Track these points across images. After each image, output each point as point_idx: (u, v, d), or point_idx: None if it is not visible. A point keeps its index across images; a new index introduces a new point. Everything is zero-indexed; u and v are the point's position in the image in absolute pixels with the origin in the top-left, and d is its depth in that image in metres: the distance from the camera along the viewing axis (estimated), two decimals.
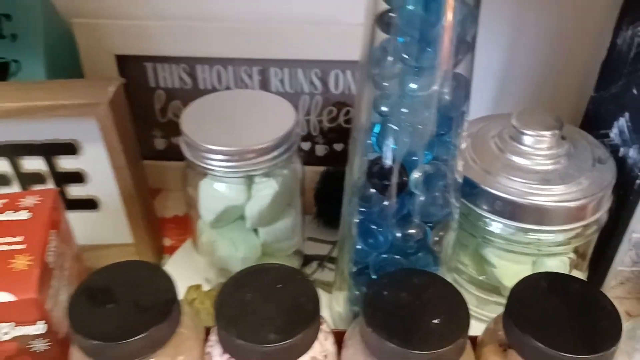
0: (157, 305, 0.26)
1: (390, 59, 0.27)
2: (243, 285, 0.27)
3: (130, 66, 0.44)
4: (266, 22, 0.43)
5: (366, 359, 0.26)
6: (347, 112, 0.45)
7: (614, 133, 0.37)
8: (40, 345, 0.28)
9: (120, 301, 0.26)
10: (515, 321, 0.25)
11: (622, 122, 0.36)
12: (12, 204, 0.31)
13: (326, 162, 0.45)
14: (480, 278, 0.36)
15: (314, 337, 0.26)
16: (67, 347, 0.29)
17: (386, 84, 0.28)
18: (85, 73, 0.43)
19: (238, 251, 0.36)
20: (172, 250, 0.44)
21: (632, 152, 0.35)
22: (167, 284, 0.27)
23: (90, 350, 0.25)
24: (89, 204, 0.39)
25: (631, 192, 0.34)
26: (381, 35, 0.27)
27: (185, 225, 0.45)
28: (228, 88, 0.45)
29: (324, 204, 0.44)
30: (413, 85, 0.27)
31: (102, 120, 0.34)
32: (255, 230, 0.37)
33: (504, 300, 0.30)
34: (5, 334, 0.27)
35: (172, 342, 0.26)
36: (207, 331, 0.29)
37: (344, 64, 0.43)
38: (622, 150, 0.36)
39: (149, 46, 0.44)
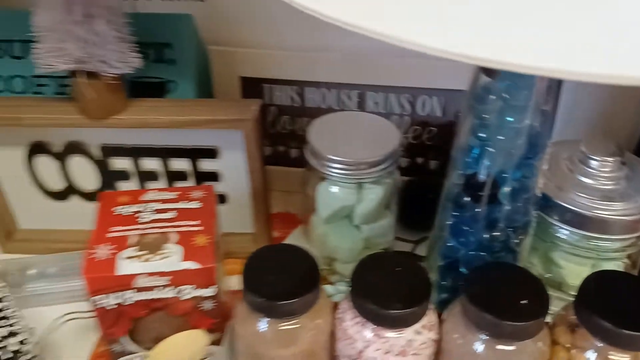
0: (306, 277, 0.34)
1: (492, 97, 0.35)
2: (371, 267, 0.35)
3: (250, 86, 0.53)
4: (365, 54, 0.51)
5: (465, 328, 0.34)
6: (430, 131, 0.53)
7: None
8: (208, 305, 0.37)
9: (279, 272, 0.34)
10: (585, 305, 0.33)
11: None
12: (184, 196, 0.39)
13: (409, 173, 0.53)
14: (546, 276, 0.43)
15: (426, 309, 0.34)
16: (225, 308, 0.37)
17: (486, 116, 0.36)
18: (215, 91, 0.52)
19: (346, 243, 0.44)
20: (278, 240, 0.52)
21: None
22: (313, 268, 0.35)
23: (258, 306, 0.33)
24: (220, 199, 0.48)
25: None
26: (484, 78, 0.35)
27: (288, 220, 0.54)
28: (330, 108, 0.53)
29: (408, 209, 0.51)
30: (510, 119, 0.34)
31: (247, 132, 0.42)
32: (358, 227, 0.45)
33: (564, 295, 0.36)
34: (187, 294, 0.36)
35: (314, 308, 0.34)
36: (335, 304, 0.37)
37: (431, 91, 0.51)
38: None
39: (267, 71, 0.52)
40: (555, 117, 0.35)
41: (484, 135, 0.36)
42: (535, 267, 0.44)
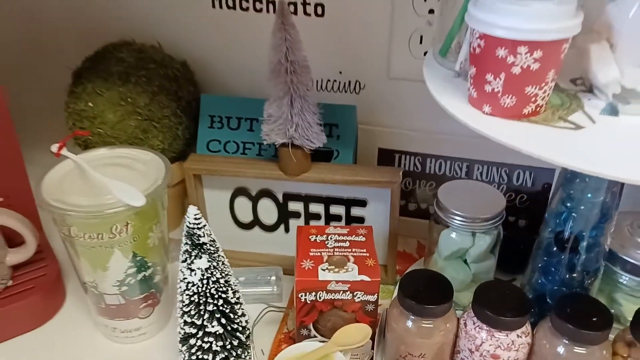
0: (443, 293, 0.51)
1: (577, 180, 0.51)
2: (486, 290, 0.51)
3: (385, 155, 0.72)
4: (472, 137, 0.68)
5: (552, 335, 0.49)
6: (521, 197, 0.70)
7: None
8: (370, 307, 0.54)
9: (425, 288, 0.51)
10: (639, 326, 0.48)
11: None
12: (353, 232, 0.57)
13: (504, 229, 0.69)
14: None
15: (526, 320, 0.49)
16: (376, 311, 0.54)
17: (572, 192, 0.52)
18: (359, 155, 0.71)
19: (459, 276, 0.60)
20: (401, 272, 0.69)
21: None
22: (448, 286, 0.52)
23: (410, 308, 0.50)
24: None
25: None
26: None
27: (405, 257, 0.71)
28: (444, 174, 0.71)
29: (502, 256, 0.67)
30: (589, 195, 0.51)
31: (394, 190, 0.61)
32: (468, 265, 0.61)
33: (622, 327, 0.51)
34: (358, 298, 0.53)
35: (446, 315, 0.51)
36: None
37: (523, 167, 0.68)
38: None
39: (398, 144, 0.71)
40: (621, 195, 0.51)
41: (570, 204, 0.52)
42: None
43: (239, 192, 0.67)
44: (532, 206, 0.70)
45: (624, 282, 0.56)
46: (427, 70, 0.49)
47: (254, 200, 0.67)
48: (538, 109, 0.41)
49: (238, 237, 0.69)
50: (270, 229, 0.69)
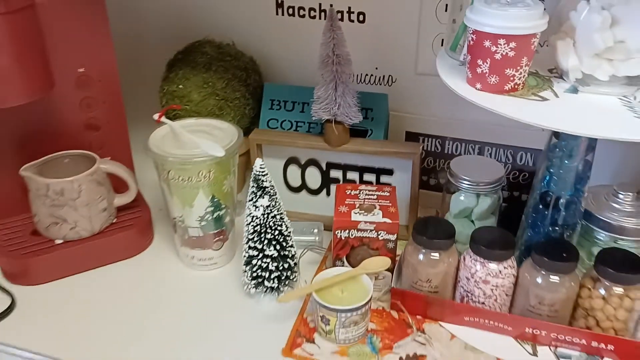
0: (447, 233, 0.65)
1: (557, 150, 0.65)
2: (483, 232, 0.65)
3: (411, 137, 0.87)
4: (483, 123, 0.83)
5: (532, 269, 0.63)
6: (524, 175, 0.83)
7: None
8: (390, 245, 0.69)
9: (441, 229, 0.66)
10: (599, 262, 0.61)
11: None
12: (380, 189, 0.73)
13: (509, 201, 0.83)
14: (587, 262, 0.71)
15: (511, 254, 0.63)
16: (396, 248, 0.69)
17: (554, 160, 0.66)
18: (390, 137, 0.87)
19: (465, 231, 0.75)
20: None
21: None
22: (450, 228, 0.66)
23: (422, 242, 0.65)
24: None
25: None
26: (554, 139, 0.66)
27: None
28: (460, 154, 0.85)
29: (505, 221, 0.81)
30: (567, 162, 0.64)
31: (415, 160, 0.76)
32: (473, 222, 0.75)
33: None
34: (382, 236, 0.68)
35: (449, 250, 0.66)
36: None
37: (525, 149, 0.82)
38: None
39: (422, 128, 0.86)
40: (592, 163, 0.65)
41: (552, 170, 0.66)
42: (582, 258, 0.72)
43: (291, 160, 0.83)
44: (532, 183, 0.83)
45: (601, 238, 0.69)
46: (439, 61, 0.64)
47: (303, 168, 0.83)
48: (516, 87, 0.56)
49: (289, 198, 0.86)
50: (315, 192, 0.85)
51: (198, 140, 0.69)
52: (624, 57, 0.54)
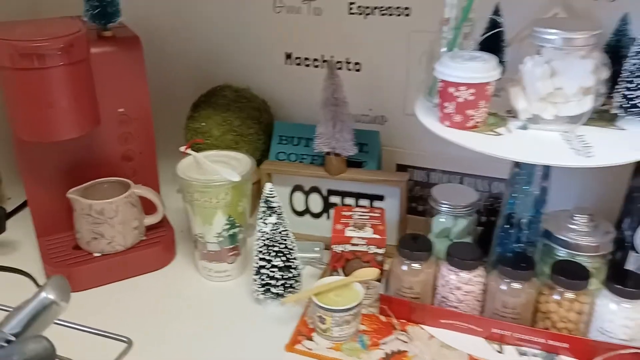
0: (426, 247, 0.77)
1: (518, 177, 0.77)
2: (458, 247, 0.77)
3: (401, 169, 1.00)
4: (463, 157, 0.95)
5: (498, 278, 0.74)
6: (498, 202, 0.95)
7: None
8: (379, 258, 0.81)
9: (414, 244, 0.78)
10: (555, 272, 0.72)
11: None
12: (371, 211, 0.85)
13: (484, 224, 0.95)
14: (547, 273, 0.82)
15: (479, 264, 0.75)
16: (384, 261, 0.81)
17: (516, 186, 0.78)
18: (383, 168, 1.00)
19: (444, 248, 0.87)
20: None
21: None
22: (429, 242, 0.78)
23: (405, 255, 0.77)
24: None
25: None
26: (515, 168, 0.78)
27: None
28: (443, 183, 0.98)
29: (480, 243, 0.92)
30: (527, 188, 0.77)
31: (402, 187, 0.89)
32: (451, 241, 0.87)
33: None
34: (372, 250, 0.80)
35: (428, 261, 0.77)
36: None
37: (500, 180, 0.94)
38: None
39: (410, 161, 0.99)
40: (548, 188, 0.77)
41: (515, 195, 0.79)
42: (544, 271, 0.83)
43: (296, 188, 0.96)
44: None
45: (561, 255, 0.80)
46: (418, 104, 0.78)
47: (306, 194, 0.96)
48: (477, 124, 0.70)
49: (294, 221, 0.98)
50: (317, 216, 0.97)
51: (217, 168, 0.83)
52: (564, 100, 0.67)
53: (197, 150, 0.88)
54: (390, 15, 0.93)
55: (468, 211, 0.85)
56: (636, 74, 0.65)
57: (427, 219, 0.89)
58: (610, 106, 0.70)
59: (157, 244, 0.91)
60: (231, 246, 0.86)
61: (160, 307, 0.83)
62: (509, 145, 0.66)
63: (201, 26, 1.07)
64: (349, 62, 0.99)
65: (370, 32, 0.95)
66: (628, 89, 0.66)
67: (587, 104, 0.67)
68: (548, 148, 0.65)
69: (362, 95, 0.99)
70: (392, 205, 0.92)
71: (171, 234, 0.94)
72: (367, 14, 0.94)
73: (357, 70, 0.99)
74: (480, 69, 0.66)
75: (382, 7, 0.93)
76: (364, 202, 0.94)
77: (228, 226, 0.85)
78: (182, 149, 0.86)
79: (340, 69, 0.99)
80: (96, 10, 0.85)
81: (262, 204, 0.78)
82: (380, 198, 0.93)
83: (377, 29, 0.94)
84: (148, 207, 0.91)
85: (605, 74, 0.68)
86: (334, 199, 0.95)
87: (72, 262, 0.86)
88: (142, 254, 0.89)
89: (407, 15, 0.92)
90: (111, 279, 0.87)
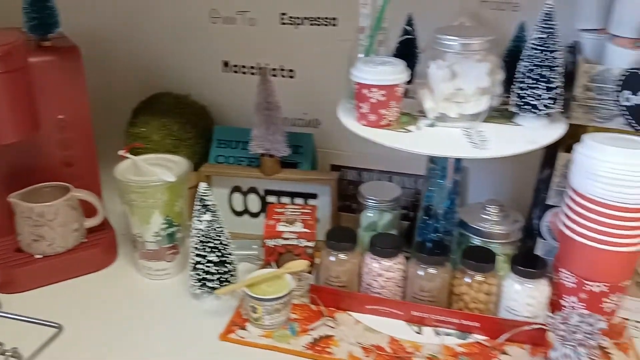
0: (352, 238, 0.83)
1: (433, 171, 0.84)
2: (379, 237, 0.83)
3: (335, 169, 1.06)
4: (389, 155, 1.02)
5: (416, 264, 0.80)
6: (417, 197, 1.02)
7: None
8: (309, 250, 0.86)
9: (346, 235, 0.83)
10: (466, 257, 0.79)
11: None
12: (303, 207, 0.91)
13: (410, 219, 1.01)
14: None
15: (398, 252, 0.81)
16: (314, 254, 0.87)
17: (432, 179, 0.85)
18: (318, 168, 1.06)
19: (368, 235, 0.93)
20: None
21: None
22: (354, 234, 0.84)
23: (332, 247, 0.82)
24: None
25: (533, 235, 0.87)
26: (430, 164, 0.85)
27: None
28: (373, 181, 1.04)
29: (408, 231, 0.99)
30: (441, 181, 0.84)
31: (332, 185, 0.94)
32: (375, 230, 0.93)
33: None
34: (302, 243, 0.86)
35: (354, 251, 0.83)
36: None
37: (421, 177, 1.01)
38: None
39: (343, 162, 1.05)
40: (460, 181, 0.84)
41: (431, 188, 0.85)
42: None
43: (235, 189, 1.01)
44: None
45: (475, 243, 0.87)
46: (340, 105, 0.84)
47: (245, 194, 1.01)
48: (390, 123, 0.76)
49: (234, 221, 1.03)
50: (255, 215, 1.02)
51: (154, 170, 0.87)
52: (465, 100, 0.74)
53: (136, 154, 0.92)
54: (319, 25, 0.99)
55: (392, 205, 0.92)
56: (527, 75, 0.72)
57: (357, 214, 0.95)
58: (508, 105, 0.77)
59: (98, 245, 0.94)
60: (169, 245, 0.90)
61: (99, 304, 0.86)
62: (417, 141, 0.73)
63: (142, 36, 1.11)
64: (283, 69, 1.04)
65: (301, 41, 1.01)
66: (521, 88, 0.74)
67: (485, 103, 0.74)
68: (450, 142, 0.72)
69: (297, 100, 1.05)
70: (324, 203, 0.98)
71: (112, 235, 0.98)
72: (298, 24, 1.00)
73: (291, 76, 1.05)
74: (389, 72, 0.73)
75: (311, 18, 0.99)
76: (299, 200, 1.00)
77: (165, 225, 0.89)
78: (121, 152, 0.89)
79: (275, 75, 1.05)
80: (35, 22, 0.89)
81: (196, 203, 0.82)
82: (313, 196, 0.99)
83: (308, 38, 1.01)
84: (89, 210, 0.94)
85: (501, 75, 0.75)
86: (271, 199, 1.01)
87: (14, 264, 0.88)
88: (82, 255, 0.92)
89: (334, 25, 0.98)
90: (53, 280, 0.90)
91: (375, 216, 0.92)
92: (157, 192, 0.86)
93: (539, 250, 0.88)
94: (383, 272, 0.81)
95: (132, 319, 0.83)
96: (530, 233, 0.90)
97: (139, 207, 0.87)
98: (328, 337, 0.79)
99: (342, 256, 0.83)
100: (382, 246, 0.81)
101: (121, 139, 1.04)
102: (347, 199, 1.07)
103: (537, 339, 0.76)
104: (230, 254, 0.85)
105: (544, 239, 0.87)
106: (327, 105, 1.04)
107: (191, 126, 1.02)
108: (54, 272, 0.90)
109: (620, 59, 0.75)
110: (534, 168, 0.94)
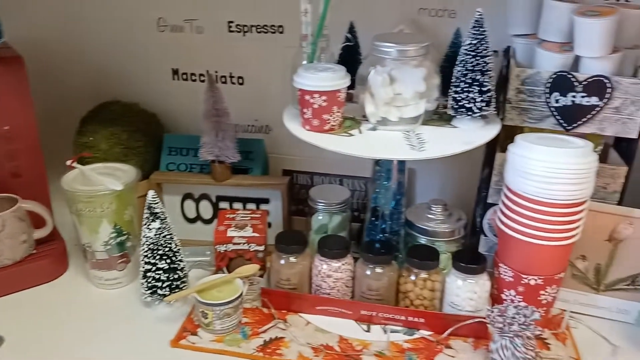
0: (301, 241, 0.85)
1: (379, 173, 0.87)
2: (327, 239, 0.85)
3: (287, 174, 1.08)
4: (341, 159, 1.04)
5: (363, 264, 0.83)
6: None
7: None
8: (260, 255, 0.87)
9: (291, 239, 0.85)
10: (410, 255, 0.82)
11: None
12: (253, 213, 0.92)
13: (360, 221, 1.04)
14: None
15: (347, 253, 0.83)
16: (265, 258, 0.88)
17: (377, 182, 0.87)
18: (270, 174, 1.07)
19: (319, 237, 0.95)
20: None
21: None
22: (303, 236, 0.86)
23: (282, 250, 0.84)
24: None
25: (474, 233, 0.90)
26: (376, 166, 0.87)
27: None
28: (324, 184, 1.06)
29: (358, 233, 1.01)
30: (386, 183, 0.86)
31: (283, 190, 0.96)
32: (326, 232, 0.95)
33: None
34: (252, 248, 0.87)
35: (304, 253, 0.85)
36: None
37: (363, 178, 1.04)
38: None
39: (296, 166, 1.07)
40: (404, 185, 0.87)
41: (378, 190, 0.88)
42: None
43: (187, 196, 1.02)
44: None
45: (421, 242, 0.90)
46: (286, 111, 0.86)
47: (197, 201, 1.02)
48: (333, 127, 0.78)
49: (187, 228, 1.03)
50: (208, 222, 1.03)
51: (102, 179, 0.87)
52: (404, 104, 0.77)
53: (86, 163, 0.92)
54: (266, 32, 1.01)
55: (342, 208, 0.94)
56: (461, 80, 0.76)
57: (309, 217, 0.97)
58: (447, 108, 0.80)
59: (47, 256, 0.93)
60: (119, 254, 0.90)
61: (49, 316, 0.85)
62: (358, 145, 0.75)
63: (89, 46, 1.11)
64: (232, 77, 1.06)
65: (249, 49, 1.02)
66: (456, 92, 0.77)
67: (422, 107, 0.77)
68: (390, 145, 0.74)
69: (247, 106, 1.07)
70: (276, 207, 0.99)
71: (62, 246, 0.97)
72: (246, 32, 1.02)
73: (241, 83, 1.06)
74: (330, 78, 0.75)
75: (258, 26, 1.01)
76: (251, 205, 1.01)
77: (115, 234, 0.88)
78: (69, 162, 0.89)
79: (225, 82, 1.06)
80: None
81: (145, 211, 0.83)
82: (266, 201, 1.00)
83: (256, 46, 1.02)
84: (38, 221, 0.93)
85: (437, 80, 0.78)
86: (223, 205, 1.01)
87: None
88: (31, 267, 0.91)
89: (281, 32, 1.00)
90: (1, 292, 0.88)
91: (325, 219, 0.94)
92: (104, 201, 0.85)
93: (482, 246, 0.91)
94: (332, 273, 0.83)
95: (83, 330, 0.83)
96: (475, 230, 0.94)
97: (87, 216, 0.86)
98: (279, 339, 0.80)
99: (291, 259, 0.85)
100: (330, 248, 0.83)
101: (70, 148, 1.03)
102: (300, 203, 1.09)
103: (479, 332, 0.79)
104: (180, 261, 0.86)
105: (486, 236, 0.90)
106: (277, 111, 1.05)
107: (141, 134, 1.02)
108: (2, 285, 0.88)
109: (548, 63, 0.79)
110: (477, 168, 0.98)
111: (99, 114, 1.02)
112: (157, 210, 0.82)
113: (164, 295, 0.85)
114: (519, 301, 0.79)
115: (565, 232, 0.74)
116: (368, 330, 0.82)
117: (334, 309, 0.83)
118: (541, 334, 0.81)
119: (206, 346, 0.79)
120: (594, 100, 0.77)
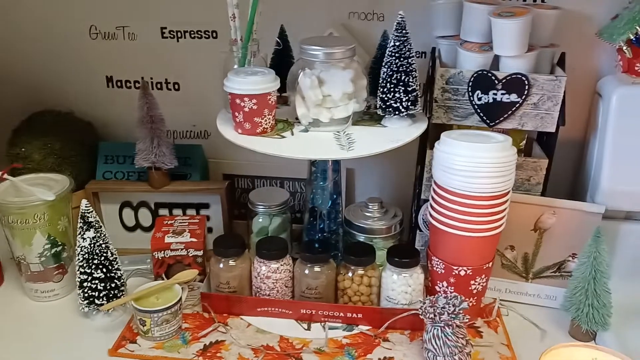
0: (240, 244, 0.85)
1: (314, 174, 0.88)
2: (265, 241, 0.86)
3: (228, 178, 1.08)
4: (275, 162, 1.06)
5: (301, 263, 0.84)
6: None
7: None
8: (199, 260, 0.88)
9: (230, 243, 0.85)
10: (347, 253, 0.83)
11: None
12: (192, 218, 0.92)
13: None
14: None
15: (285, 254, 0.84)
16: (204, 262, 0.88)
17: (314, 182, 0.89)
18: (210, 179, 1.07)
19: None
20: None
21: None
22: (242, 239, 0.86)
23: (220, 253, 0.84)
24: (208, 230, 1.00)
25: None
26: (312, 167, 0.89)
27: None
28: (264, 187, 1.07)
29: (299, 234, 1.03)
30: (322, 183, 0.88)
31: (222, 195, 0.96)
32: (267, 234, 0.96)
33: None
34: (191, 253, 0.87)
35: (243, 255, 0.85)
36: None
37: (303, 180, 1.05)
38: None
39: (236, 170, 1.07)
40: (340, 182, 0.89)
41: (314, 190, 0.89)
42: None
43: (125, 204, 1.00)
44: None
45: (360, 239, 0.92)
46: (219, 115, 0.86)
47: (135, 209, 1.01)
48: (265, 130, 0.79)
49: (126, 237, 1.02)
50: (148, 230, 1.02)
51: (33, 189, 0.85)
52: (334, 105, 0.79)
53: (18, 175, 0.90)
54: (200, 38, 1.01)
55: (282, 210, 0.95)
56: (387, 80, 0.78)
57: (249, 221, 0.98)
58: (377, 108, 0.83)
59: None
60: (55, 265, 0.88)
61: None
62: (289, 146, 0.76)
63: (19, 55, 1.08)
64: (168, 83, 1.05)
65: (184, 54, 1.02)
66: (383, 92, 0.79)
67: (352, 107, 0.79)
68: (320, 146, 0.76)
69: (185, 112, 1.06)
70: (217, 212, 1.00)
71: None
72: (179, 38, 1.01)
73: (177, 89, 1.05)
74: (259, 82, 0.76)
75: (191, 31, 1.01)
76: (191, 211, 1.01)
77: (49, 245, 0.87)
78: (0, 174, 0.87)
79: (160, 89, 1.05)
80: None
81: (79, 220, 0.81)
82: (206, 206, 1.00)
83: (190, 51, 1.02)
84: None
85: (364, 81, 0.81)
86: (163, 212, 1.01)
87: None
88: None
89: (214, 37, 1.00)
90: None
91: (265, 221, 0.95)
92: (37, 212, 0.84)
93: (418, 241, 0.94)
94: (271, 274, 0.84)
95: (20, 344, 0.80)
96: (412, 226, 0.96)
97: (19, 228, 0.84)
98: (219, 342, 0.80)
99: (230, 262, 0.85)
100: (268, 249, 0.84)
101: (3, 160, 1.01)
102: (242, 207, 1.09)
103: (415, 324, 0.81)
104: (118, 270, 0.85)
105: (422, 231, 0.93)
106: (214, 116, 1.05)
107: (75, 144, 1.01)
108: None
109: (470, 63, 0.83)
110: (413, 167, 1.01)
111: (31, 124, 1.00)
112: (91, 220, 0.81)
113: (101, 305, 0.84)
114: (451, 292, 0.82)
115: (490, 224, 0.77)
116: (308, 329, 0.83)
117: (274, 309, 0.84)
118: (471, 322, 0.84)
119: (145, 354, 0.78)
120: (513, 97, 0.81)
